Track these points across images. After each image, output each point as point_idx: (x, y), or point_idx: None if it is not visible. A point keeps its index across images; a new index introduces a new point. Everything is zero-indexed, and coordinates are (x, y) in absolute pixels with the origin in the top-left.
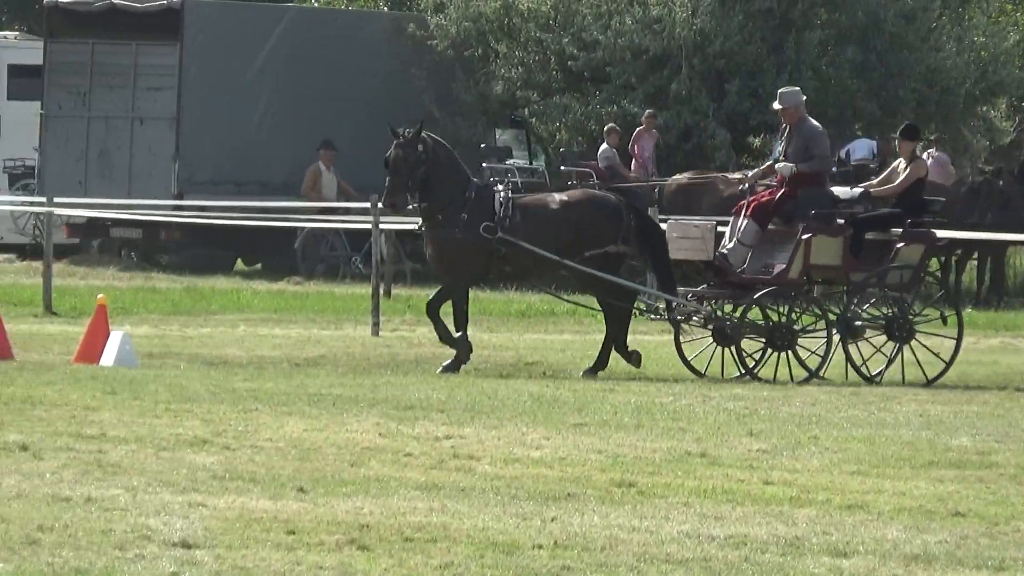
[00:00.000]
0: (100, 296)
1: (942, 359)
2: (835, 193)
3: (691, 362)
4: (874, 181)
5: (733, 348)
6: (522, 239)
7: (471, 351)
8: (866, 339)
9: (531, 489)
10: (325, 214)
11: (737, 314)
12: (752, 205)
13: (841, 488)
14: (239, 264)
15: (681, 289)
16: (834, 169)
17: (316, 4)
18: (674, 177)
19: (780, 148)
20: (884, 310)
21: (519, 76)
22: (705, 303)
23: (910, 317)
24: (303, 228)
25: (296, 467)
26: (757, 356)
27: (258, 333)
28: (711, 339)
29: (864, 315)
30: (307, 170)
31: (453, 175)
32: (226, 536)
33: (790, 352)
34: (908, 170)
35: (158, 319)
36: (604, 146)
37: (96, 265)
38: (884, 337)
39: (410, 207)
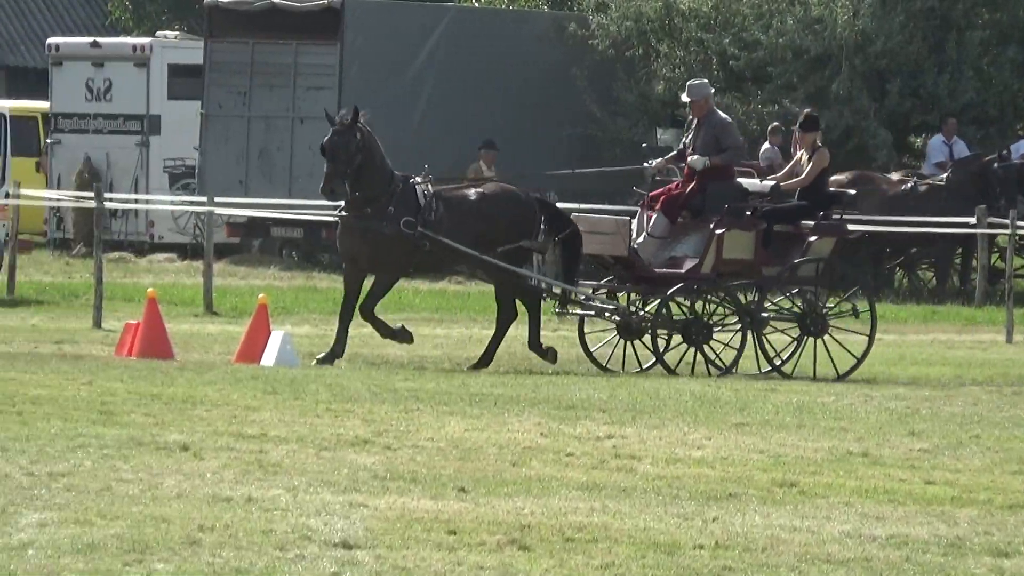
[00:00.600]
0: (261, 296)
1: (853, 355)
2: (744, 186)
3: (594, 355)
4: (780, 174)
5: (651, 341)
6: (445, 232)
7: (341, 348)
8: (783, 331)
9: (692, 489)
10: None
11: (650, 309)
12: (662, 199)
13: (1003, 488)
14: None
15: (588, 283)
16: (995, 165)
17: (477, 4)
18: (834, 178)
19: (687, 140)
20: (797, 304)
21: (680, 76)
22: (611, 298)
23: (823, 311)
24: None
25: (457, 467)
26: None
27: (419, 332)
28: (616, 333)
29: (775, 309)
30: (468, 170)
31: (381, 166)
32: (387, 536)
33: (704, 347)
34: (812, 162)
35: (319, 319)
36: (766, 145)
37: (257, 265)
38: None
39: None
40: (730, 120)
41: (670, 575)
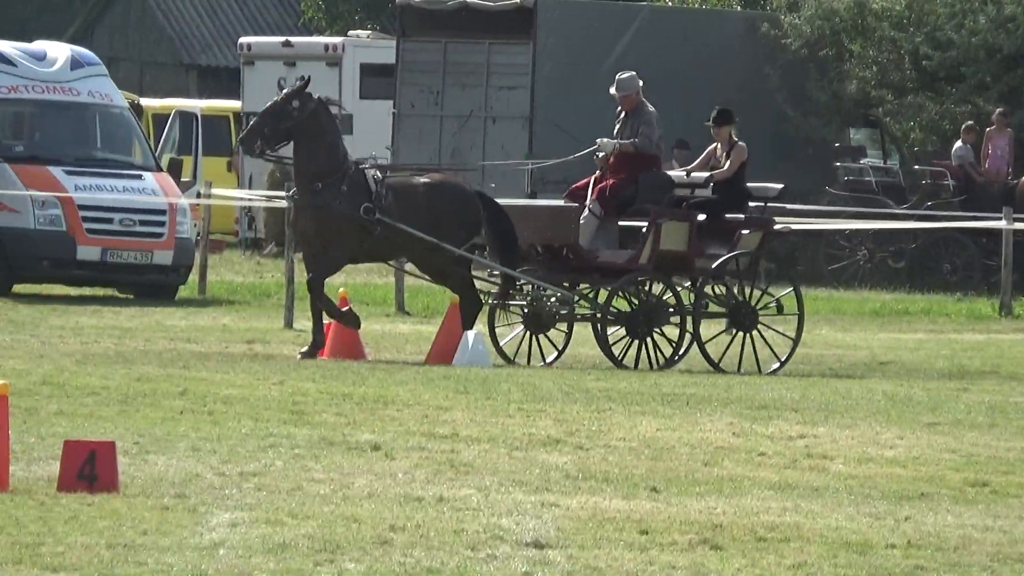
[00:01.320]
0: (453, 296)
1: (776, 355)
2: (672, 177)
3: (503, 348)
4: (692, 166)
5: (593, 331)
6: (392, 220)
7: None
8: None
9: (884, 488)
10: None
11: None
12: (596, 189)
13: None
14: None
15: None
16: None
17: (670, 3)
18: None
19: (617, 132)
20: (727, 298)
21: (873, 75)
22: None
23: (753, 305)
24: None
25: (649, 467)
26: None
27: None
28: (522, 325)
29: (711, 302)
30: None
31: (334, 144)
32: (579, 536)
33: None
34: (732, 156)
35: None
36: (958, 143)
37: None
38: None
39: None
40: (655, 113)
41: (862, 575)
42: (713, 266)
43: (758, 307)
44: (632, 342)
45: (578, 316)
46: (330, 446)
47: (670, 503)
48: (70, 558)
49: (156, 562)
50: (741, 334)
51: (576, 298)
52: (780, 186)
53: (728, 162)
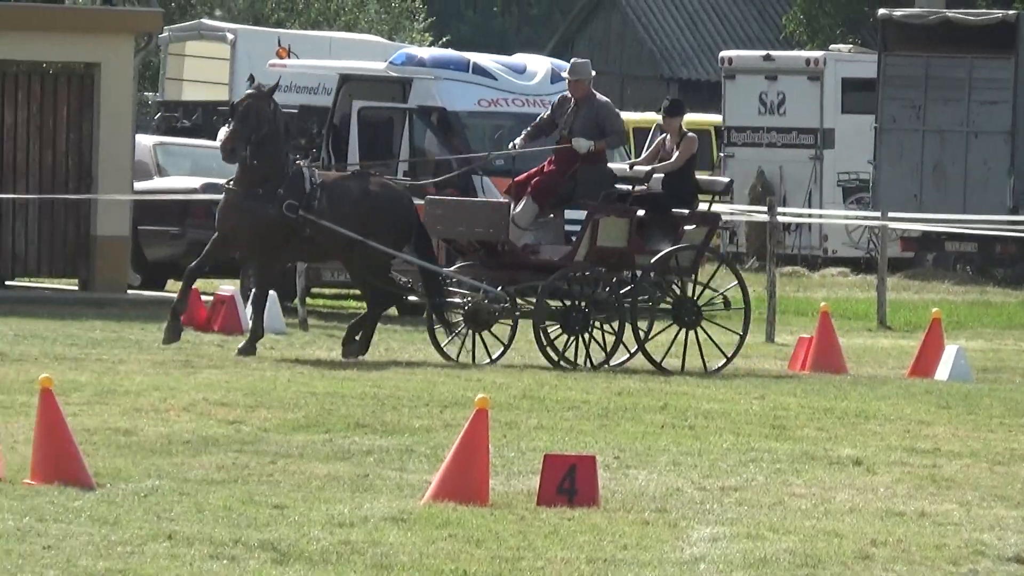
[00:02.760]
0: (935, 310)
1: (723, 353)
2: (615, 171)
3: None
4: (639, 159)
5: (534, 331)
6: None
7: (260, 328)
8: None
9: None
10: None
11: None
12: (534, 184)
13: None
14: None
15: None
16: None
17: None
18: None
19: (562, 121)
20: (670, 295)
21: None
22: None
23: (696, 301)
24: None
25: None
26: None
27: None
28: (463, 324)
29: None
30: None
31: (283, 146)
32: None
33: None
34: (681, 147)
35: (992, 333)
36: None
37: (930, 279)
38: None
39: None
40: (611, 104)
41: None
42: (652, 261)
43: (702, 302)
44: (570, 340)
45: (518, 312)
46: (811, 460)
47: None
48: (549, 572)
49: None
50: (684, 331)
51: (505, 297)
52: (727, 179)
53: (677, 154)
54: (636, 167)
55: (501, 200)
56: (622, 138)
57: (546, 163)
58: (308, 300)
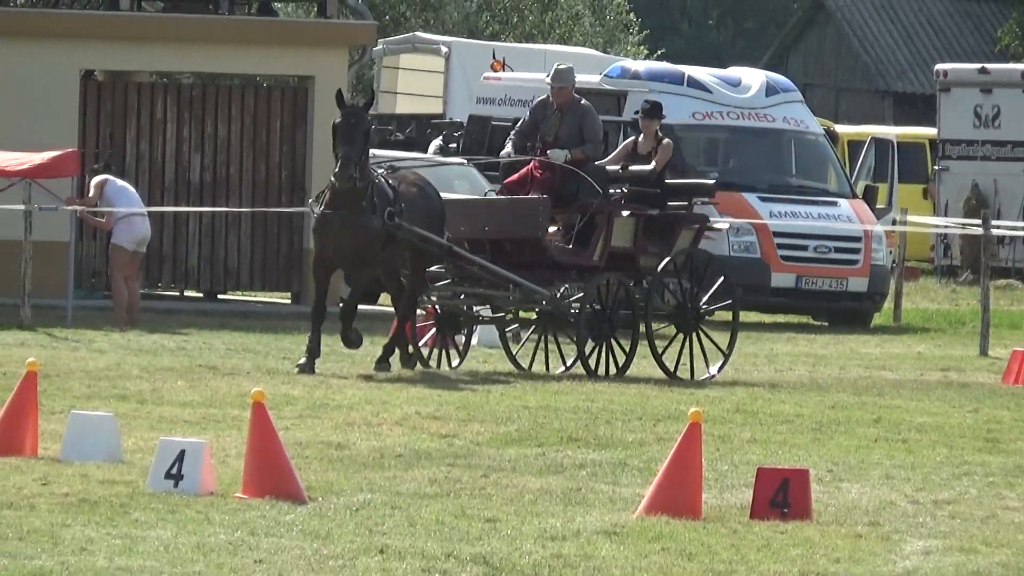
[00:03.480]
0: None
1: (722, 350)
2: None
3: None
4: (608, 159)
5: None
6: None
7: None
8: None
9: None
10: None
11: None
12: (536, 184)
13: None
14: None
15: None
16: None
17: None
18: None
19: (549, 128)
20: (669, 299)
21: None
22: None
23: (698, 306)
24: None
25: None
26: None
27: None
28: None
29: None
30: None
31: (368, 154)
32: None
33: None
34: (660, 152)
35: None
36: None
37: None
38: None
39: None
40: (593, 110)
41: None
42: (659, 267)
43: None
44: (537, 347)
45: (484, 319)
46: None
47: None
48: None
49: None
50: (682, 336)
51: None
52: (712, 182)
53: (656, 159)
54: (608, 168)
55: (533, 197)
56: (599, 147)
57: (531, 165)
58: (522, 313)
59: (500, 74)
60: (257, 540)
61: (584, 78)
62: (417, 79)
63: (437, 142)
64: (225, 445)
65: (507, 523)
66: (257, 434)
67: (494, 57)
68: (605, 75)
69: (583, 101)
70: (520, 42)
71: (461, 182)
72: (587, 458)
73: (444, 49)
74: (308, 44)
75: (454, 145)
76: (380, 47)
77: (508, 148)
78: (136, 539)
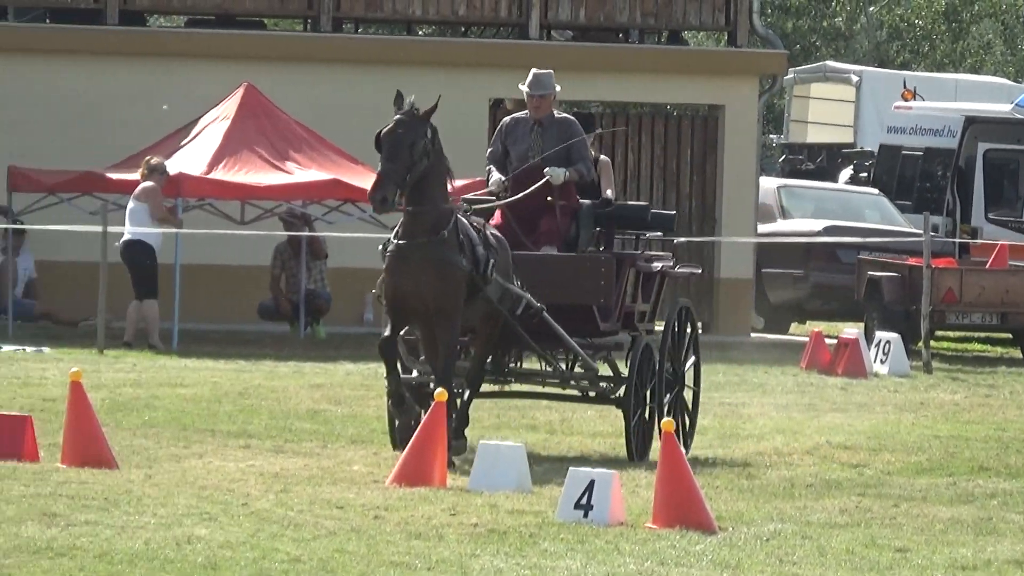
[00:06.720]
0: None
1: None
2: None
3: None
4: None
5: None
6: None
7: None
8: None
9: None
10: None
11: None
12: (543, 229)
13: None
14: None
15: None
16: None
17: None
18: None
19: (531, 148)
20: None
21: None
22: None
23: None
24: None
25: None
26: None
27: None
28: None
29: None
30: None
31: (443, 177)
32: None
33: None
34: (600, 171)
35: None
36: None
37: None
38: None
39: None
40: (576, 122)
41: None
42: (645, 320)
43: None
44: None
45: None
46: None
47: None
48: None
49: None
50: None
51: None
52: (672, 213)
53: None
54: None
55: (595, 256)
56: (591, 165)
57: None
58: (932, 343)
59: (911, 103)
60: (667, 570)
61: (994, 107)
62: (828, 108)
63: (847, 171)
64: (635, 476)
65: (917, 553)
66: (668, 464)
67: (904, 86)
68: (1016, 105)
69: (564, 114)
70: (930, 71)
71: (872, 212)
72: (998, 487)
73: (855, 78)
74: (719, 73)
75: (864, 175)
76: (791, 76)
77: (496, 176)
78: (545, 569)
